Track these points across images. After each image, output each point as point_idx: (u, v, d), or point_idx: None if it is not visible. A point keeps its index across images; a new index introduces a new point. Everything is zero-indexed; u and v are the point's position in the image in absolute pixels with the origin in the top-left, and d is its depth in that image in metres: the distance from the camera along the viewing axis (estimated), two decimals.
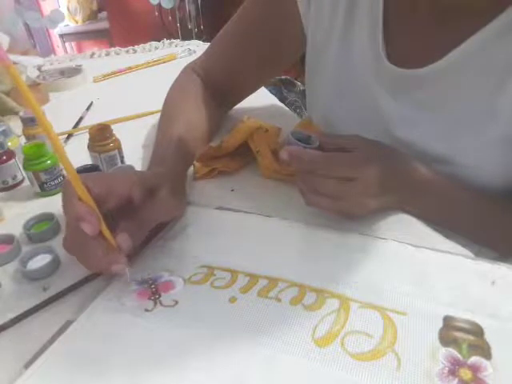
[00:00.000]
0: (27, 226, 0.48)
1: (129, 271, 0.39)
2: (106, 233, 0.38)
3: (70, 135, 0.72)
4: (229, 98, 0.70)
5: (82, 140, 0.58)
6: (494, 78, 0.44)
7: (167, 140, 0.54)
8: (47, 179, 0.55)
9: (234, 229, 0.46)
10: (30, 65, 1.04)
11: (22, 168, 0.57)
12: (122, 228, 0.40)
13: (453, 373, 0.30)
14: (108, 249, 0.38)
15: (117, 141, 0.58)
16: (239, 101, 0.72)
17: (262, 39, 0.62)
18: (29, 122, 0.63)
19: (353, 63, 0.54)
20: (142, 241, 0.43)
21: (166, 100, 0.65)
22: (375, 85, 0.53)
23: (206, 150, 0.58)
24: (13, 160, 0.58)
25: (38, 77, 1.00)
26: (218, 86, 0.67)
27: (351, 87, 0.56)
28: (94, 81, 1.02)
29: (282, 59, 0.66)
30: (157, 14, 2.61)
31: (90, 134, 0.57)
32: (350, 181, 0.41)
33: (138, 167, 0.59)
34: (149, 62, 1.10)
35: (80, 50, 2.99)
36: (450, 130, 0.48)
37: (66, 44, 2.99)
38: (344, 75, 0.56)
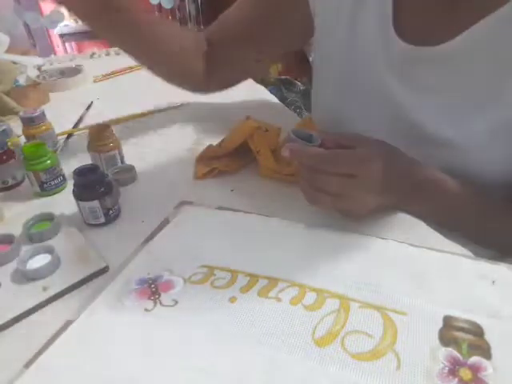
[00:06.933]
0: (27, 226, 0.48)
1: None
2: None
3: (70, 135, 0.72)
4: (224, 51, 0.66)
5: (82, 140, 0.58)
6: (504, 61, 0.43)
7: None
8: (47, 179, 0.55)
9: (234, 229, 0.46)
10: (30, 65, 1.05)
11: (22, 168, 0.57)
12: None
13: (453, 373, 0.30)
14: None
15: (117, 141, 0.59)
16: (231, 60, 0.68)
17: (272, 19, 0.61)
18: (29, 122, 0.63)
19: (361, 47, 0.53)
20: None
21: None
22: (384, 68, 0.51)
23: (206, 150, 0.58)
24: (13, 160, 0.58)
25: (37, 77, 1.00)
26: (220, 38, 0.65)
27: (360, 72, 0.54)
28: (94, 81, 1.02)
29: (290, 39, 0.65)
30: (157, 14, 2.61)
31: (89, 133, 0.57)
32: (351, 178, 0.41)
33: (138, 167, 0.59)
34: None
35: (80, 50, 2.99)
36: (459, 113, 0.47)
37: (66, 44, 2.98)
38: (353, 59, 0.55)
